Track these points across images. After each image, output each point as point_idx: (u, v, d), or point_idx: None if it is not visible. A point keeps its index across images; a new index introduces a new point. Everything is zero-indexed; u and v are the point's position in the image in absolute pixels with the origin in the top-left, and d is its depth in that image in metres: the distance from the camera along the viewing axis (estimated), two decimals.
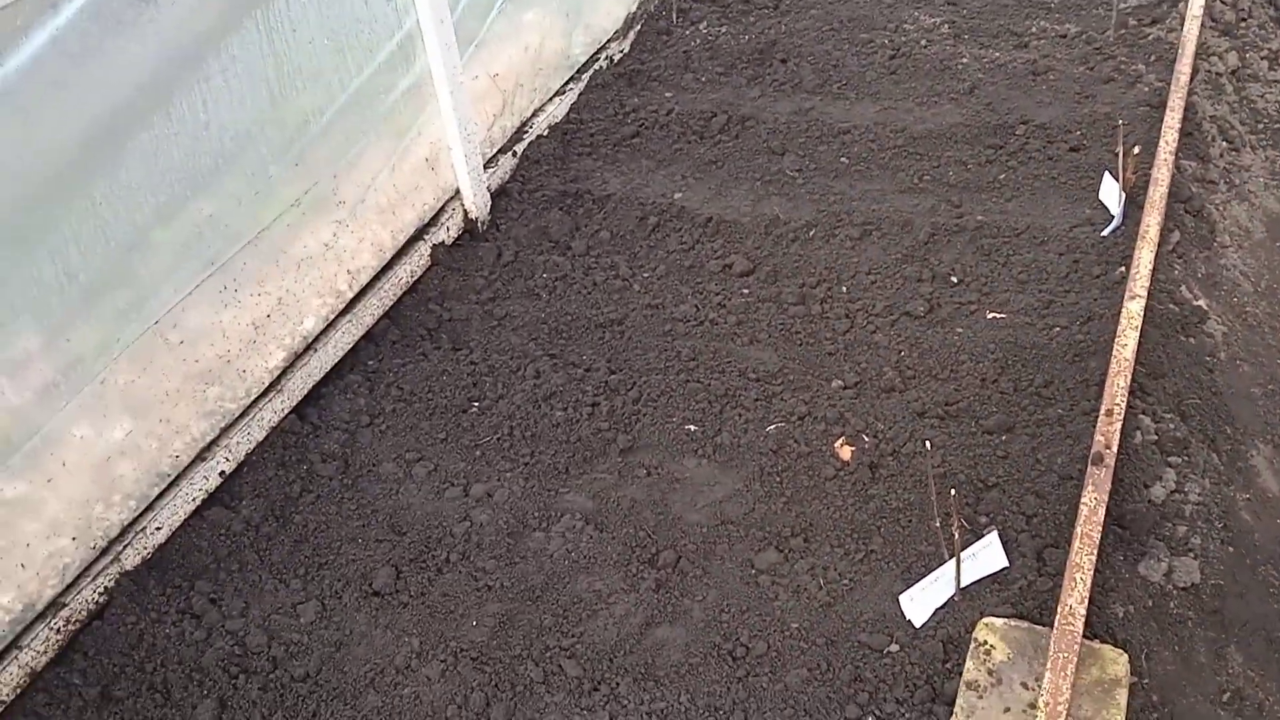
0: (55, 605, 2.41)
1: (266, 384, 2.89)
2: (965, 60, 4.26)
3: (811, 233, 3.49)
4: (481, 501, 2.73)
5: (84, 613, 2.46)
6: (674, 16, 4.72)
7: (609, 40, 4.44)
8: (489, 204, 3.63)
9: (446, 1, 3.17)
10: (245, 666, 2.39)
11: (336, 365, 3.13)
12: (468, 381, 3.08)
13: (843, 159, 3.83)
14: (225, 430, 2.78)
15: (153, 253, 2.49)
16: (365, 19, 2.98)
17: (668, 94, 4.31)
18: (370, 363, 3.20)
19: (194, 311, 2.66)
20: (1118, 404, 2.36)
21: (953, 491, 2.03)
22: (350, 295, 3.15)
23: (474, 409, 3.00)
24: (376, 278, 3.25)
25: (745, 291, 3.30)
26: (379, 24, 3.04)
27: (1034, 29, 4.50)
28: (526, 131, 3.91)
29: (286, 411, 2.94)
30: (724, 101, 4.19)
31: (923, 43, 4.42)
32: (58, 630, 2.40)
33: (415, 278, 3.39)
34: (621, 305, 3.30)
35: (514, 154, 3.83)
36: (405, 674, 2.34)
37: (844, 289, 3.24)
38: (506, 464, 2.82)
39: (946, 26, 4.53)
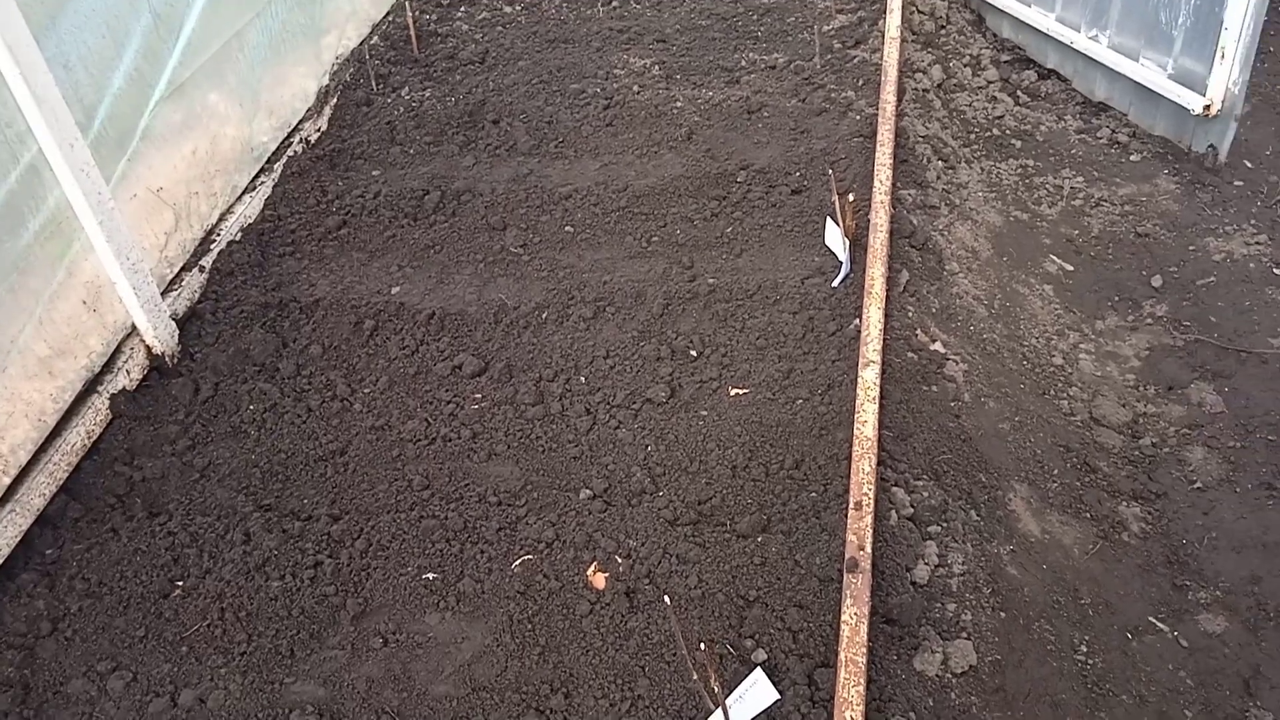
0: None
1: None
2: (680, 103, 4.16)
3: (544, 316, 3.26)
4: (192, 712, 2.33)
5: None
6: (373, 84, 4.37)
7: (301, 120, 4.05)
8: (175, 333, 3.18)
9: (73, 122, 2.71)
10: None
11: (4, 564, 2.62)
12: (167, 558, 2.65)
13: (567, 227, 3.62)
14: None
15: None
16: None
17: (374, 172, 3.97)
18: (48, 552, 2.70)
19: None
20: (865, 494, 2.25)
21: (702, 645, 1.83)
22: (7, 480, 2.65)
23: (177, 591, 2.58)
24: (41, 450, 2.76)
25: (478, 396, 3.03)
26: None
27: (743, 62, 4.46)
28: (214, 240, 3.48)
29: None
30: (436, 175, 3.90)
31: (635, 88, 4.28)
32: None
33: (94, 438, 2.91)
34: (342, 431, 2.96)
35: (201, 269, 3.39)
36: None
37: (582, 379, 3.03)
38: (220, 658, 2.43)
39: (657, 68, 4.42)
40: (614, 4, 4.98)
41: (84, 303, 2.91)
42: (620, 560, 2.47)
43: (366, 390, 3.09)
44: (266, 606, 2.50)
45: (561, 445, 2.84)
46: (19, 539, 2.65)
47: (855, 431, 2.47)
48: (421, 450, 2.88)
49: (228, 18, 3.58)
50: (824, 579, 2.29)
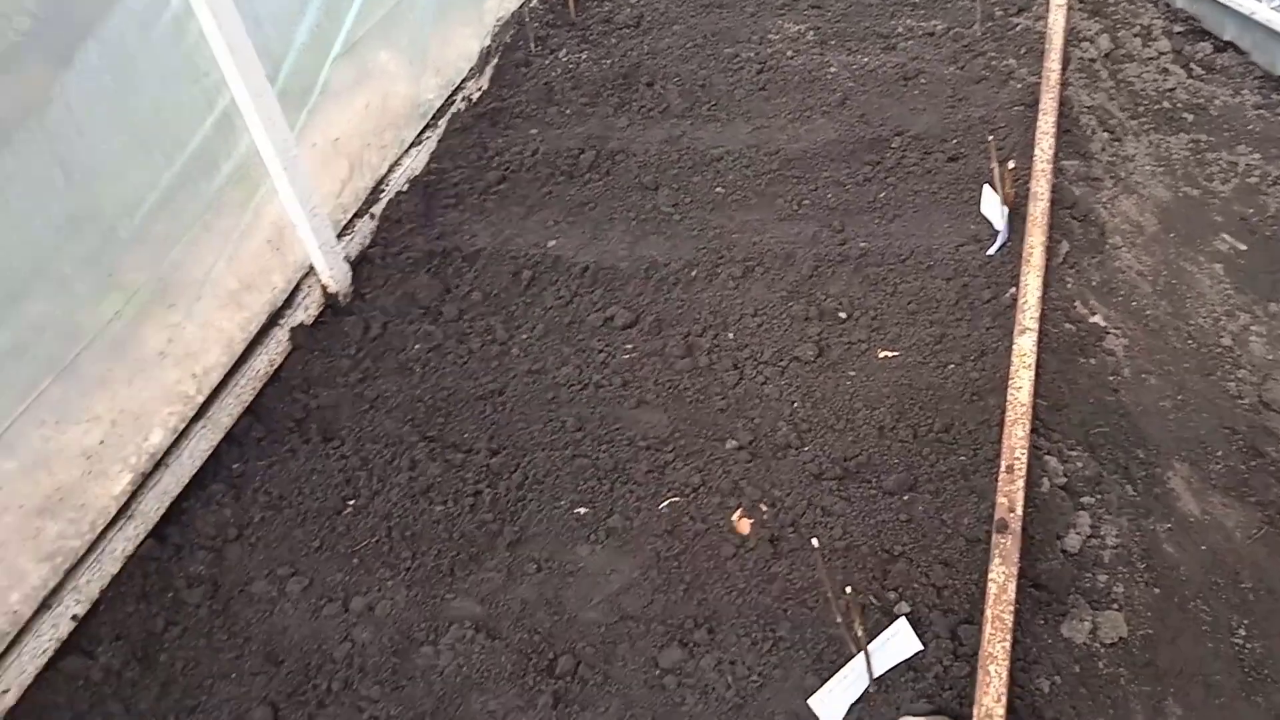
0: None
1: (114, 511, 2.62)
2: (834, 69, 4.15)
3: (693, 274, 3.33)
4: (363, 617, 2.52)
5: None
6: (531, 46, 4.50)
7: (464, 79, 4.21)
8: (349, 275, 3.38)
9: (264, 73, 2.91)
10: None
11: (197, 475, 2.86)
12: (340, 479, 2.85)
13: (718, 189, 3.68)
14: (70, 571, 2.50)
15: None
16: (169, 108, 2.71)
17: (533, 131, 4.10)
18: (235, 466, 2.94)
19: (20, 447, 2.39)
20: (1018, 458, 2.25)
21: (848, 590, 1.88)
22: (201, 399, 2.89)
23: (349, 510, 2.78)
24: (230, 374, 2.99)
25: (629, 346, 3.13)
26: (186, 110, 2.77)
27: (900, 28, 4.40)
28: (383, 190, 3.67)
29: (142, 537, 2.68)
30: (591, 135, 4.00)
31: (789, 53, 4.29)
32: None
33: (275, 366, 3.13)
34: (500, 373, 3.10)
35: (371, 216, 3.59)
36: None
37: (730, 335, 3.09)
38: (387, 571, 2.61)
39: (812, 33, 4.41)
40: None
41: (269, 242, 3.12)
42: (765, 509, 2.54)
43: (524, 336, 3.22)
44: (430, 529, 2.67)
45: (709, 397, 2.91)
46: (209, 453, 2.89)
47: (1009, 397, 2.47)
48: (575, 394, 3.00)
49: None
50: (971, 539, 2.31)
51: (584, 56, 4.46)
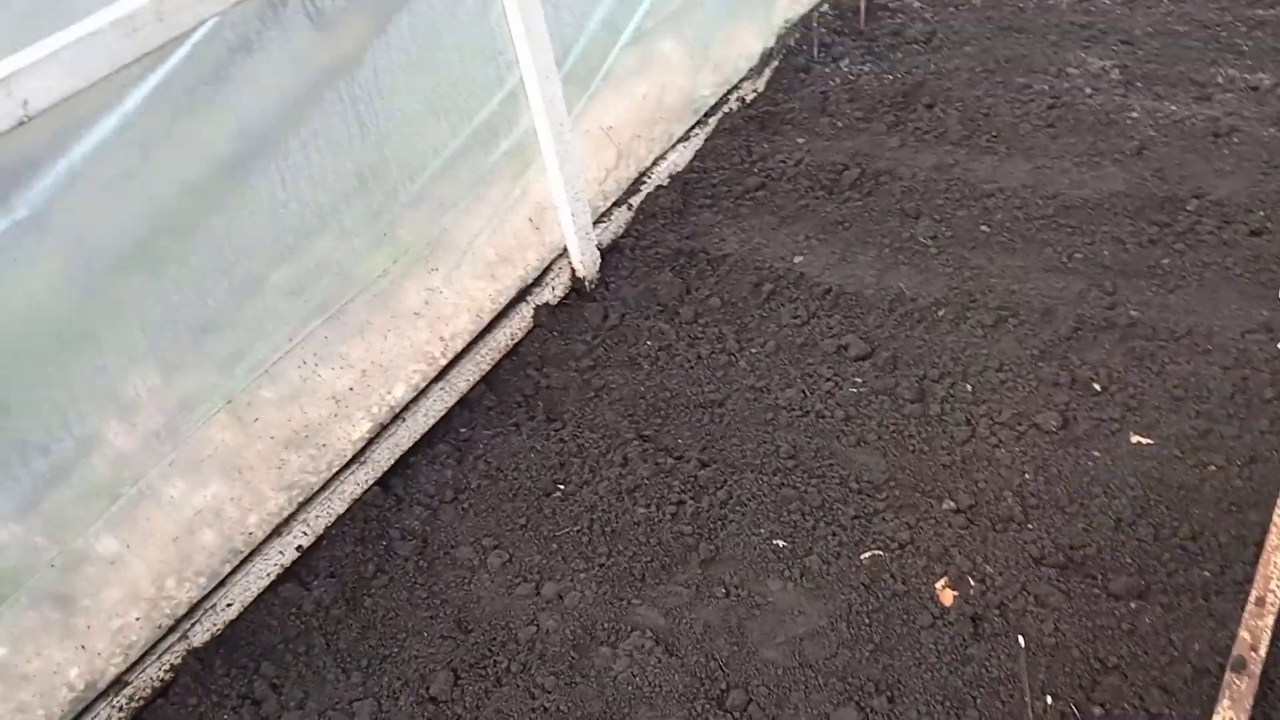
0: (119, 683, 2.41)
1: (349, 455, 2.83)
2: (1135, 114, 3.83)
3: (940, 313, 3.19)
4: (552, 604, 2.60)
5: (148, 690, 2.46)
6: (815, 52, 4.43)
7: (742, 79, 4.21)
8: (598, 261, 3.47)
9: (553, 58, 3.01)
10: None
11: (427, 433, 3.05)
12: (555, 461, 2.94)
13: (984, 226, 3.49)
14: (303, 505, 2.73)
15: (229, 334, 2.45)
16: (463, 81, 2.86)
17: (800, 139, 4.04)
18: (463, 430, 3.10)
19: (280, 380, 2.62)
20: (1273, 590, 2.02)
21: (1049, 698, 1.75)
22: (444, 362, 3.06)
23: (558, 494, 2.87)
24: (474, 342, 3.15)
25: (859, 380, 3.04)
26: (478, 85, 2.91)
27: (1219, 77, 4.01)
28: (644, 182, 3.73)
29: (370, 483, 2.88)
30: (859, 151, 3.90)
31: (1087, 90, 4.00)
32: (120, 709, 2.40)
33: (516, 340, 3.27)
34: (724, 384, 3.10)
35: (629, 207, 3.66)
36: None
37: (969, 386, 2.94)
38: (582, 562, 2.68)
39: (1117, 71, 4.09)
40: None
41: (529, 220, 3.25)
42: (973, 583, 2.41)
43: (753, 350, 3.20)
44: (629, 529, 2.71)
45: (933, 449, 2.79)
46: (442, 414, 3.06)
47: (1276, 519, 2.21)
48: (794, 420, 2.95)
49: None
50: (1200, 669, 2.10)
51: (866, 69, 4.35)
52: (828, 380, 3.06)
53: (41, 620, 2.31)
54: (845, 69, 4.36)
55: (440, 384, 3.03)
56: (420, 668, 2.51)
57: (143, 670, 2.44)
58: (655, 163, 3.80)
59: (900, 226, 3.56)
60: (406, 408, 2.96)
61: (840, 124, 4.09)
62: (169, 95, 2.13)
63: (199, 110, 2.21)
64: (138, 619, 2.42)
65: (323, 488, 2.77)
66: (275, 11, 2.32)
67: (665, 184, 3.79)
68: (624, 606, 2.55)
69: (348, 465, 2.82)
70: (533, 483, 2.90)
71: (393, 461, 2.94)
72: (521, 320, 3.28)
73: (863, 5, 4.57)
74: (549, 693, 2.40)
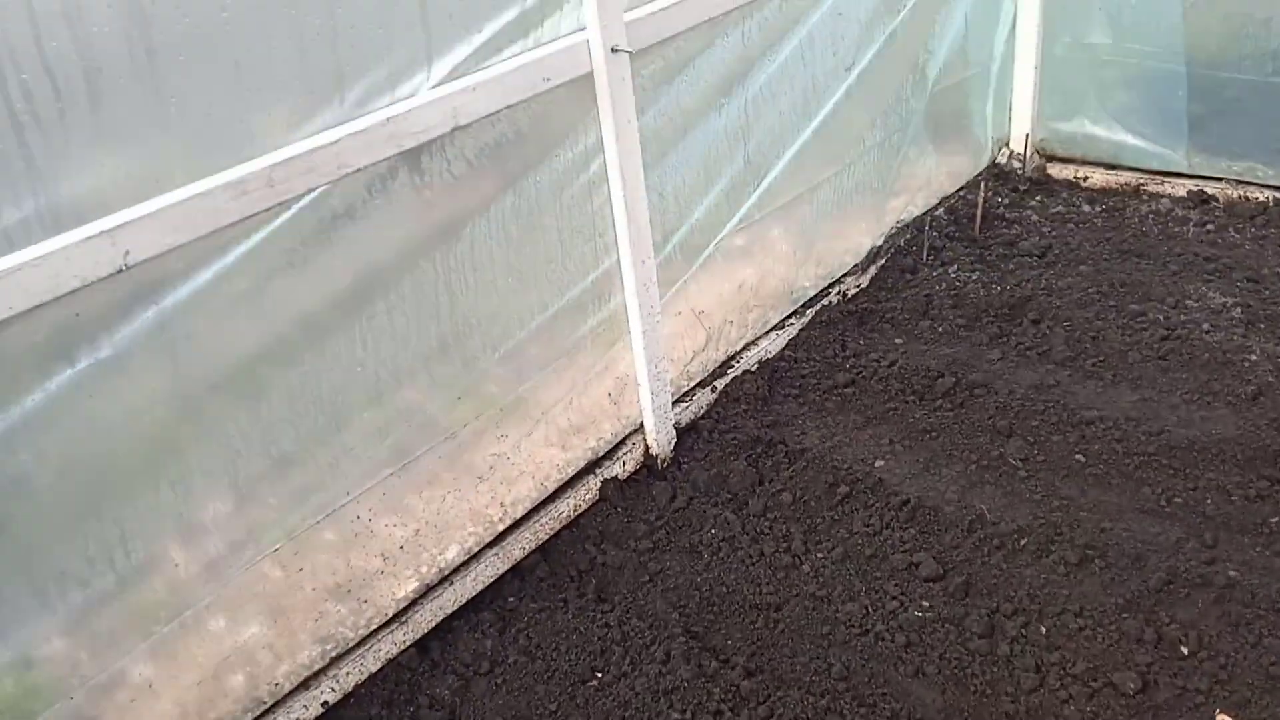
0: None
1: (391, 614, 2.80)
2: (1255, 356, 3.65)
3: (1022, 543, 3.02)
4: None
5: None
6: (924, 254, 4.42)
7: (845, 274, 4.21)
8: (674, 441, 3.44)
9: (651, 245, 3.07)
10: None
11: (474, 598, 3.00)
12: (598, 646, 2.85)
13: (1079, 455, 3.33)
14: (336, 659, 2.70)
15: (305, 470, 2.49)
16: (558, 259, 2.93)
17: (897, 340, 3.99)
18: (510, 599, 3.04)
19: (339, 525, 2.64)
20: None
21: None
22: (501, 527, 3.04)
23: (594, 682, 2.76)
24: (535, 510, 3.12)
25: (925, 604, 2.88)
26: (574, 263, 2.98)
27: None
28: (732, 366, 3.72)
29: (407, 645, 2.83)
30: (957, 360, 3.81)
31: (1205, 326, 3.85)
32: None
33: (578, 512, 3.24)
34: (784, 587, 2.98)
35: (713, 389, 3.64)
36: None
37: (1043, 629, 2.75)
38: None
39: (1239, 310, 3.93)
40: (1208, 227, 4.54)
41: (609, 393, 3.26)
42: None
43: (819, 555, 3.08)
44: None
45: (996, 695, 2.59)
46: (493, 580, 3.02)
47: None
48: (852, 637, 2.80)
49: (810, 171, 3.84)
50: None
51: (974, 277, 4.30)
52: (893, 599, 2.91)
53: None
54: (953, 274, 4.32)
55: (494, 550, 3.00)
56: None
57: None
58: (745, 348, 3.79)
59: (990, 444, 3.43)
60: (456, 570, 2.93)
61: (941, 329, 4.02)
62: (267, 253, 2.23)
63: (294, 269, 2.31)
64: None
65: (358, 644, 2.73)
66: (384, 184, 2.43)
67: (753, 369, 3.77)
68: None
69: (388, 624, 2.79)
70: (570, 666, 2.81)
71: (434, 624, 2.89)
72: (587, 492, 3.25)
73: (979, 213, 4.57)
74: None
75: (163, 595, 2.37)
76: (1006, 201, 4.87)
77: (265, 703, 2.57)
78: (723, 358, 3.72)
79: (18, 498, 2.06)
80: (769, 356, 3.85)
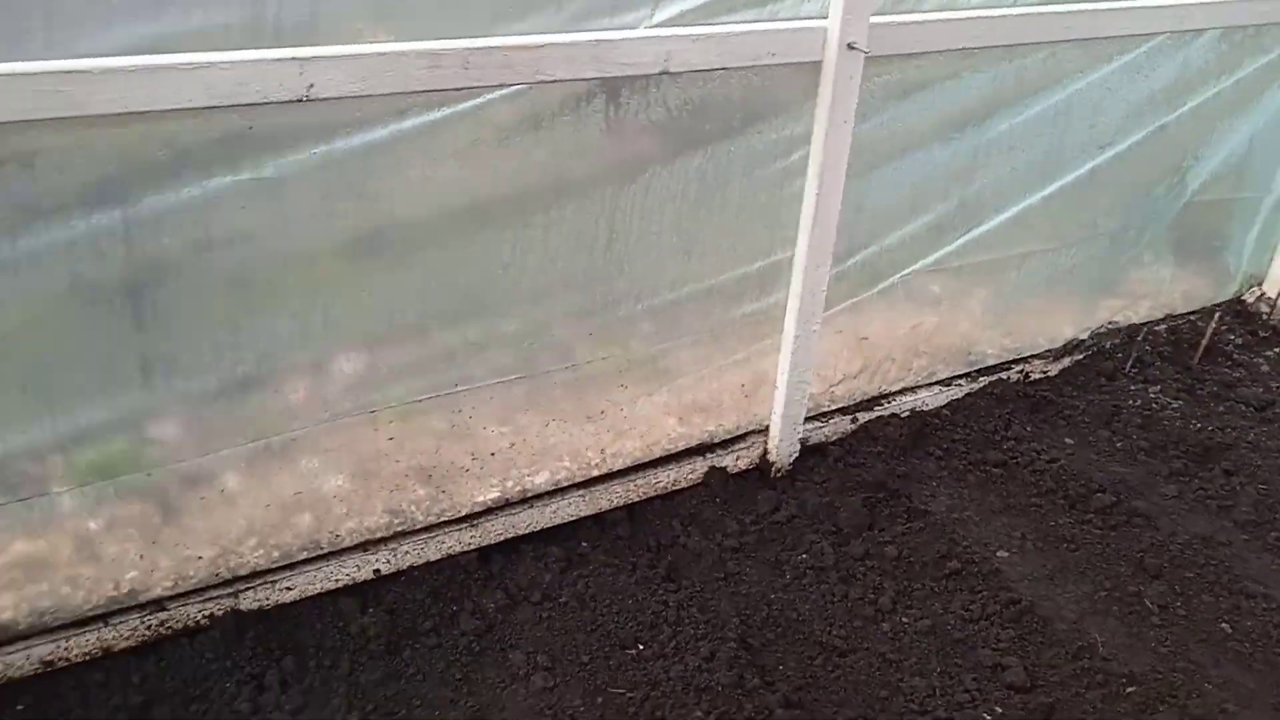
0: (158, 604, 2.49)
1: (465, 514, 2.82)
2: None
3: (1128, 690, 2.72)
4: None
5: (179, 625, 2.51)
6: (1128, 364, 4.07)
7: (1033, 355, 3.93)
8: (795, 455, 3.31)
9: (831, 252, 2.96)
10: None
11: (549, 529, 2.99)
12: (649, 620, 2.77)
13: (1225, 625, 2.98)
14: (401, 535, 2.74)
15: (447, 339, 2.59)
16: (730, 235, 2.87)
17: (1068, 440, 3.69)
18: (583, 544, 3.01)
19: (447, 412, 2.69)
20: None
21: None
22: (595, 473, 3.00)
23: (633, 652, 2.69)
24: (634, 469, 3.07)
25: (999, 710, 2.64)
26: (745, 245, 2.91)
27: None
28: (881, 404, 3.55)
29: (471, 548, 2.85)
30: (1125, 482, 3.48)
31: None
32: (147, 628, 2.47)
33: (675, 489, 3.16)
34: (856, 637, 2.80)
35: (854, 419, 3.48)
36: None
37: None
38: None
39: None
40: None
41: (742, 385, 3.17)
42: None
43: (904, 619, 2.88)
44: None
45: None
46: (571, 520, 3.00)
47: None
48: (908, 713, 2.60)
49: (1028, 237, 3.61)
50: None
51: (1175, 405, 3.93)
52: (965, 691, 2.68)
53: (140, 513, 2.44)
54: (1153, 395, 3.96)
55: (582, 492, 2.97)
56: None
57: (184, 606, 2.50)
58: (901, 391, 3.61)
59: (1131, 577, 3.11)
60: (539, 497, 2.92)
61: (1119, 445, 3.69)
62: (443, 132, 2.28)
63: (466, 156, 2.35)
64: (202, 558, 2.50)
65: (425, 529, 2.77)
66: (577, 104, 2.44)
67: (902, 416, 3.58)
68: None
69: (459, 521, 2.81)
70: (617, 628, 2.74)
71: (502, 539, 2.90)
72: (691, 472, 3.17)
73: (1204, 343, 4.17)
74: None
75: (266, 416, 2.48)
76: (1239, 342, 4.42)
77: (322, 549, 2.64)
78: (874, 393, 3.55)
79: (158, 281, 2.19)
80: (924, 409, 3.65)
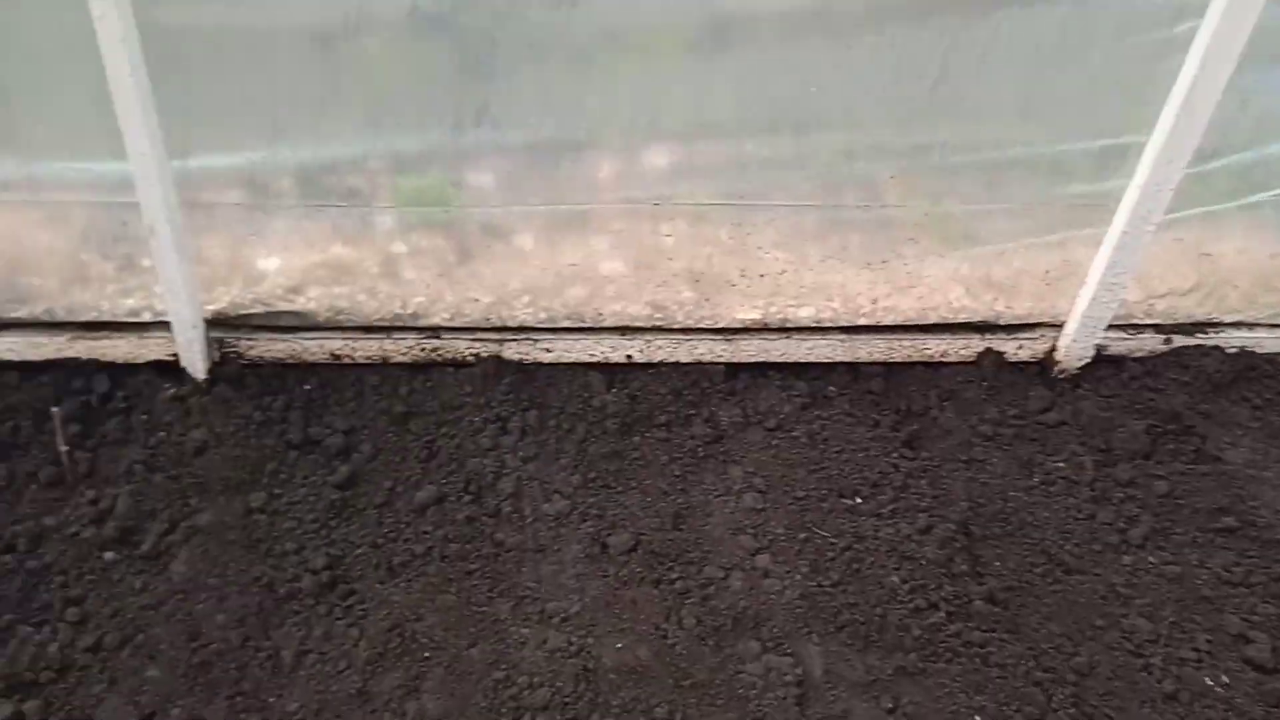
0: (433, 331, 2.75)
1: (721, 326, 2.86)
2: None
3: None
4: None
5: (442, 356, 2.78)
6: None
7: None
8: (1085, 361, 3.04)
9: (1191, 148, 2.57)
10: None
11: (801, 365, 2.95)
12: (875, 478, 2.72)
13: None
14: (658, 330, 2.83)
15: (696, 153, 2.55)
16: (1078, 102, 2.59)
17: None
18: (830, 389, 2.95)
19: (709, 221, 2.70)
20: None
21: None
22: (860, 322, 2.92)
23: (847, 502, 2.67)
24: (902, 329, 2.95)
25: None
26: (1092, 117, 2.62)
27: None
28: (1204, 332, 3.13)
29: (720, 360, 2.88)
30: None
31: None
32: (421, 350, 2.75)
33: (942, 359, 3.00)
34: (1089, 560, 2.61)
35: (1167, 341, 3.12)
36: None
37: None
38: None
39: None
40: None
41: (1047, 272, 2.92)
42: None
43: (1150, 559, 2.65)
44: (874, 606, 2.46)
45: None
46: (825, 360, 2.95)
47: None
48: (1124, 653, 2.43)
49: None
50: None
51: None
52: (1195, 650, 2.45)
53: (439, 247, 2.68)
54: None
55: (843, 336, 2.90)
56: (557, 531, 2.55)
57: (455, 339, 2.75)
58: (1235, 325, 3.17)
59: None
60: (799, 330, 2.89)
61: None
62: None
63: None
64: (479, 301, 2.72)
65: (681, 330, 2.83)
66: None
67: (1230, 353, 3.15)
68: None
69: (714, 331, 2.85)
70: (840, 473, 2.73)
71: (752, 361, 2.91)
72: (964, 348, 3.00)
73: None
74: None
75: (569, 185, 2.59)
76: None
77: (584, 322, 2.78)
78: (1201, 317, 3.14)
79: (495, 29, 2.29)
80: (1256, 350, 3.19)
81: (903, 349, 2.95)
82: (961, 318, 2.97)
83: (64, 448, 2.44)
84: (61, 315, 2.57)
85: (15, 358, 2.58)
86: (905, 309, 2.92)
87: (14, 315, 2.55)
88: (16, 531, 2.34)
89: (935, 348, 2.98)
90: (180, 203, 2.35)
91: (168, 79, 2.19)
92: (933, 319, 2.95)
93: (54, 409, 2.50)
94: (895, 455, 2.80)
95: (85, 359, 2.61)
